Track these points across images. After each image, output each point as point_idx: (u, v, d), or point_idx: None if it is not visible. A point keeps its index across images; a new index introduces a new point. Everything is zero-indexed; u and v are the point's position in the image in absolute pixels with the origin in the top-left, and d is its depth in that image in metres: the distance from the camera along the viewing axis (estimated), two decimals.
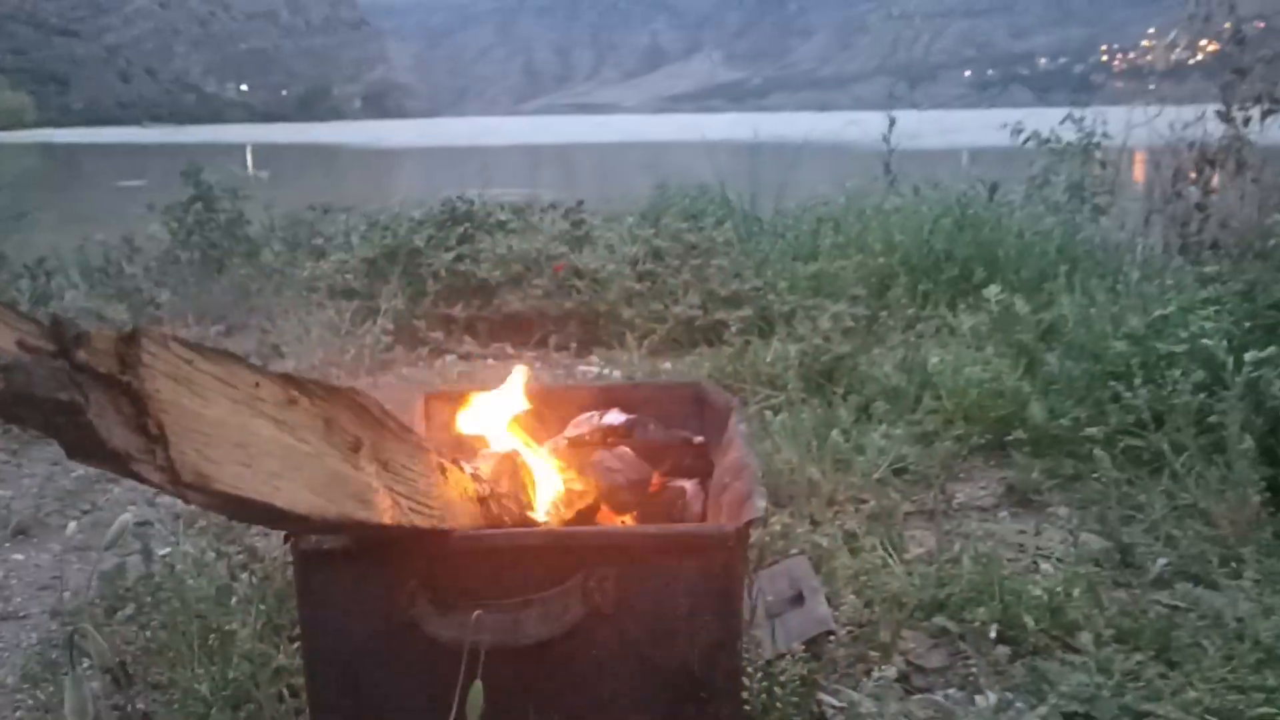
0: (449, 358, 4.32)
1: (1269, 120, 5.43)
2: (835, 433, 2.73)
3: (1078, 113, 6.02)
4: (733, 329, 4.10)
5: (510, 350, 4.31)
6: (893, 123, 6.50)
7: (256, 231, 5.23)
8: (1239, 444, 2.32)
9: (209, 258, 4.99)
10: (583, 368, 4.11)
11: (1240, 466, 2.30)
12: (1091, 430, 2.63)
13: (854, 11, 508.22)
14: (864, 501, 2.54)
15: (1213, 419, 2.48)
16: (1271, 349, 2.40)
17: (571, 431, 1.93)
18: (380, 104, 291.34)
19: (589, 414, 1.96)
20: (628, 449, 1.85)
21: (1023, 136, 6.10)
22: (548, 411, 2.00)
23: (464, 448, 1.91)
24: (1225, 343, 2.66)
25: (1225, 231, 5.50)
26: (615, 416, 1.93)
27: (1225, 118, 5.46)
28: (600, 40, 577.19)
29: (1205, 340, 2.72)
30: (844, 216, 5.36)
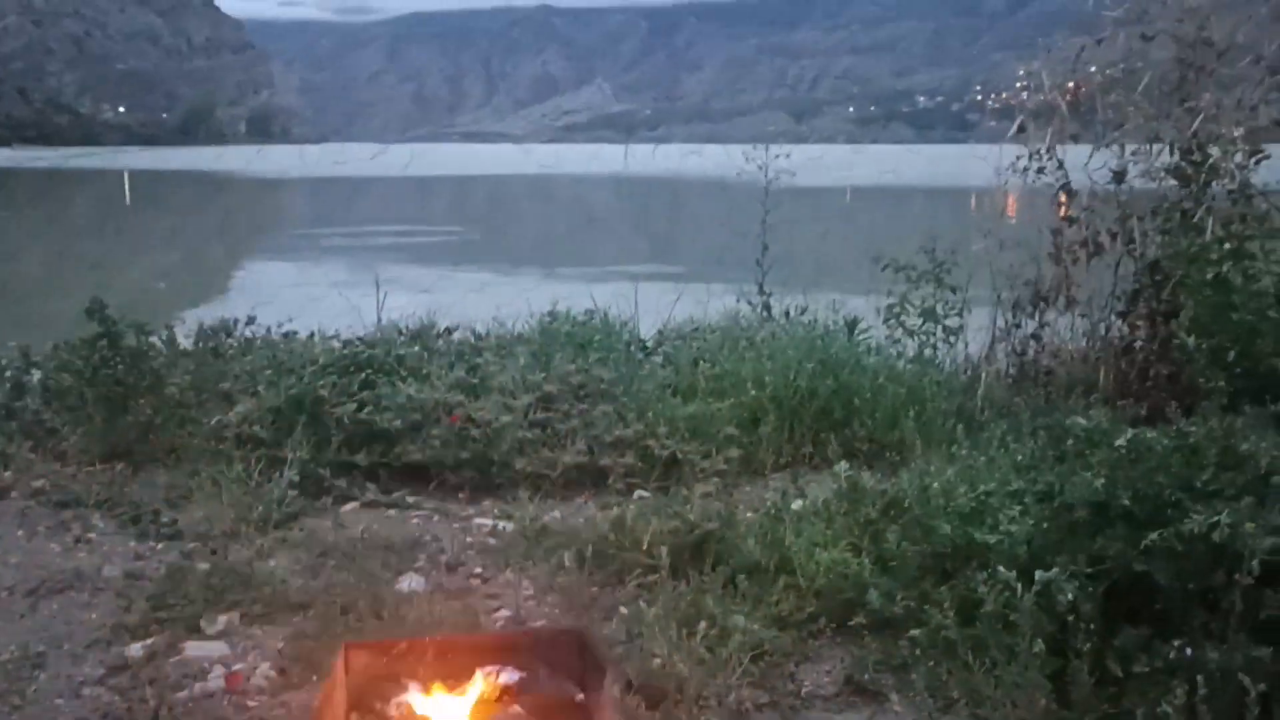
0: (351, 505, 4.62)
1: (1094, 260, 6.10)
2: (702, 624, 3.13)
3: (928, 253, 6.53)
4: (615, 480, 4.52)
5: (410, 499, 4.63)
6: (768, 174, 6.98)
7: (162, 364, 5.43)
8: (1030, 648, 2.80)
9: (114, 394, 5.18)
10: (479, 520, 4.46)
11: (1030, 671, 2.78)
12: (915, 631, 3.08)
13: (742, 46, 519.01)
14: (726, 696, 2.94)
15: (1013, 618, 2.95)
16: (1055, 571, 2.88)
17: (474, 689, 2.29)
18: (265, 128, 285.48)
19: (489, 669, 2.33)
20: (519, 709, 2.22)
21: (882, 264, 6.66)
22: (455, 658, 2.36)
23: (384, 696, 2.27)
24: (1025, 545, 3.16)
25: (1057, 361, 6.16)
26: (510, 675, 2.30)
27: (1055, 259, 6.12)
28: (492, 69, 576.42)
29: (1010, 536, 3.22)
30: (719, 348, 5.82)
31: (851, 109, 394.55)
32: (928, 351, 6.26)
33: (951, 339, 6.42)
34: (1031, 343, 6.19)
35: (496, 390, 4.98)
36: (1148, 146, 5.81)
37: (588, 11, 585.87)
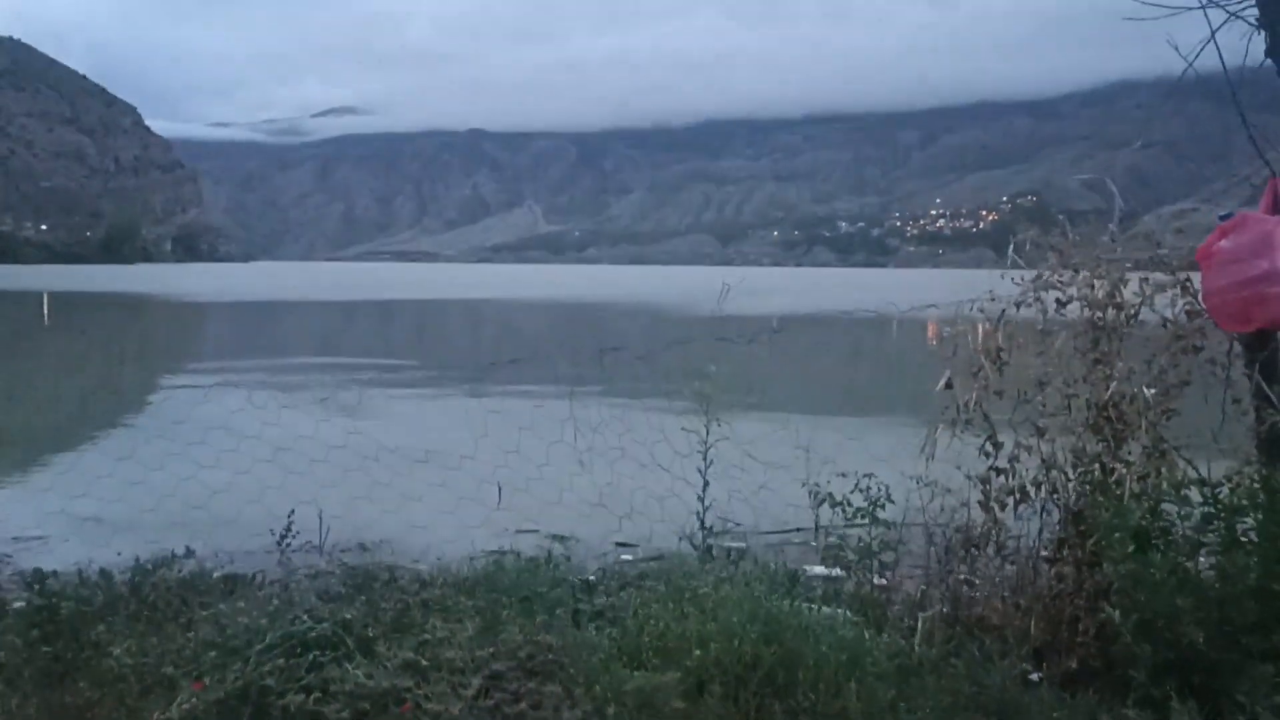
0: None
1: (1022, 508, 6.37)
2: None
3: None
4: None
5: None
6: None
7: (101, 633, 5.34)
8: None
9: (52, 671, 5.08)
10: None
11: None
12: None
13: (669, 172, 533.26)
14: None
15: None
16: None
17: None
18: (192, 246, 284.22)
19: None
20: None
21: (817, 500, 6.85)
22: None
23: None
24: None
25: (990, 607, 6.35)
26: None
27: (985, 506, 6.38)
28: (422, 190, 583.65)
29: None
30: (664, 605, 5.91)
31: (776, 233, 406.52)
32: (865, 589, 6.42)
33: (888, 573, 6.60)
34: (964, 588, 6.38)
35: (445, 669, 4.99)
36: (1066, 405, 6.13)
37: (517, 135, 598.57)
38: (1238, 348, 5.92)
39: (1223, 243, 5.88)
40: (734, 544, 6.88)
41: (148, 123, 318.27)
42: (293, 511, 7.01)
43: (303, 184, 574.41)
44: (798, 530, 7.71)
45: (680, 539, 6.86)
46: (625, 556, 7.30)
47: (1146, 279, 6.07)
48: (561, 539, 7.80)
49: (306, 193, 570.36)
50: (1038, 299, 6.20)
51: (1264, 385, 5.69)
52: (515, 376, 12.75)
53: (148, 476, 8.30)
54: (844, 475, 6.79)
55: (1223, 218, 5.83)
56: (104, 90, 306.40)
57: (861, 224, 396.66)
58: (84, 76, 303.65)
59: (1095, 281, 6.15)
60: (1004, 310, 6.40)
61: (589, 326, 36.80)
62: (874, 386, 19.71)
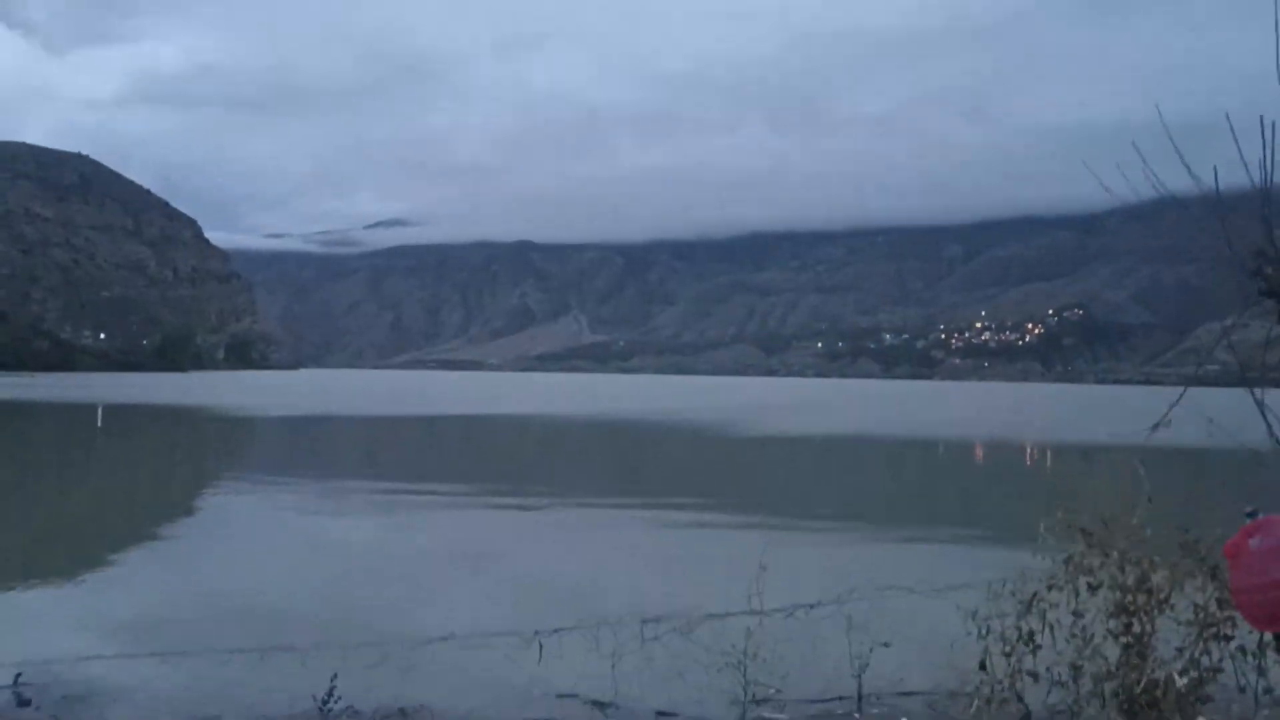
0: None
1: None
2: None
3: None
4: None
5: None
6: None
7: None
8: None
9: None
10: None
11: None
12: None
13: (713, 283, 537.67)
14: None
15: None
16: None
17: None
18: (244, 354, 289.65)
19: None
20: None
21: None
22: None
23: None
24: None
25: None
26: None
27: None
28: (469, 300, 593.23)
29: None
30: None
31: (820, 344, 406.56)
32: None
33: None
34: None
35: None
36: (1099, 692, 6.16)
37: (565, 247, 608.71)
38: (1268, 636, 5.97)
39: (1250, 541, 5.97)
40: (774, 716, 6.83)
41: (207, 234, 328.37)
42: (335, 675, 6.96)
43: (353, 293, 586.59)
44: (839, 699, 7.35)
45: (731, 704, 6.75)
46: None
47: (1176, 564, 6.16)
48: (602, 706, 7.38)
49: (357, 301, 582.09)
50: (1069, 582, 6.31)
51: None
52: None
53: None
54: None
55: (1249, 515, 5.94)
56: (166, 204, 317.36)
57: (905, 335, 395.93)
58: (148, 191, 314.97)
59: (1126, 565, 6.26)
60: (1035, 593, 6.50)
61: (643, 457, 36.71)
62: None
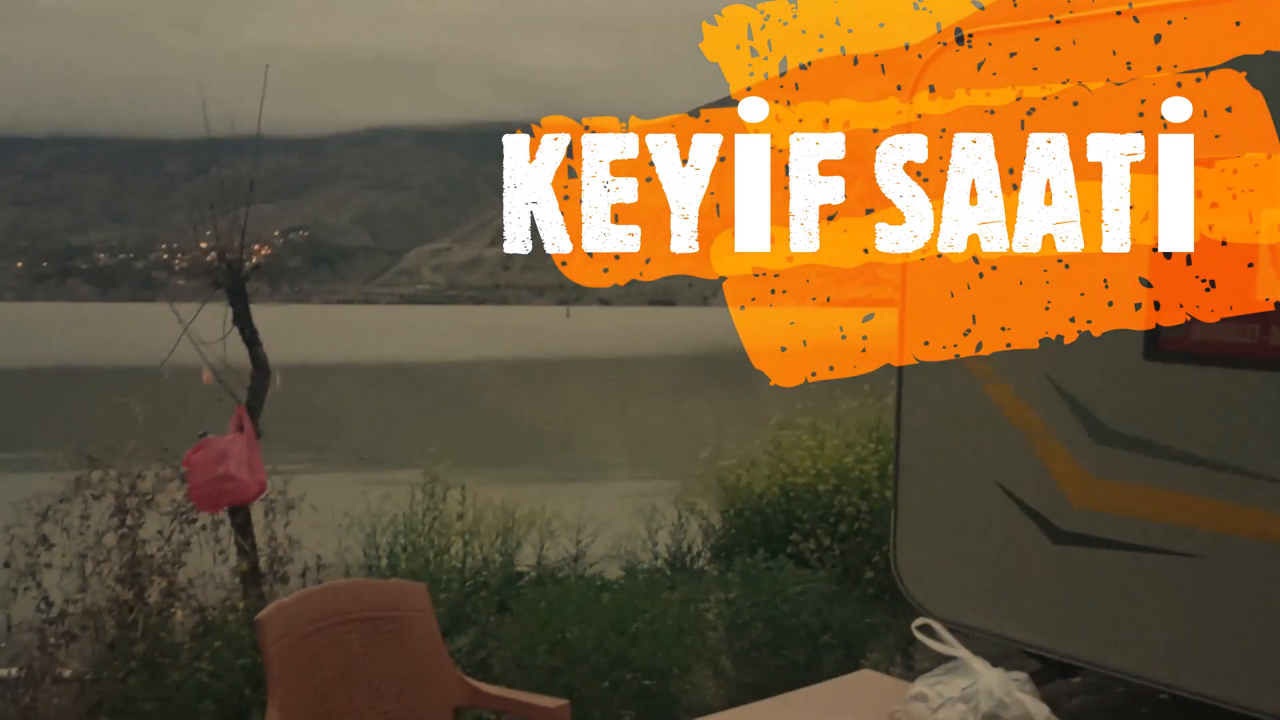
0: None
1: None
2: None
3: None
4: None
5: None
6: None
7: None
8: None
9: None
10: None
11: None
12: None
13: None
14: None
15: None
16: None
17: None
18: None
19: None
20: None
21: None
22: None
23: None
24: None
25: None
26: None
27: None
28: None
29: None
30: None
31: (21, 264, 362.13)
32: None
33: None
34: None
35: None
36: None
37: None
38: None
39: (196, 455, 8.70)
40: None
41: None
42: None
43: None
44: None
45: None
46: None
47: (159, 473, 8.62)
48: None
49: None
50: (78, 494, 8.39)
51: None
52: None
53: None
54: None
55: (201, 435, 8.64)
56: None
57: (124, 255, 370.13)
58: None
59: (121, 478, 8.55)
60: (49, 505, 8.49)
61: None
62: None
